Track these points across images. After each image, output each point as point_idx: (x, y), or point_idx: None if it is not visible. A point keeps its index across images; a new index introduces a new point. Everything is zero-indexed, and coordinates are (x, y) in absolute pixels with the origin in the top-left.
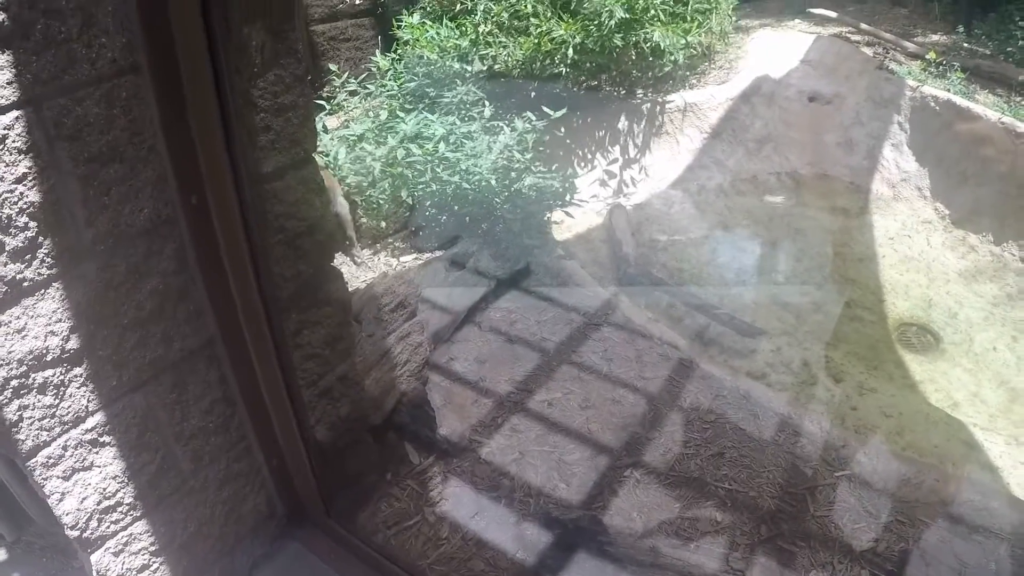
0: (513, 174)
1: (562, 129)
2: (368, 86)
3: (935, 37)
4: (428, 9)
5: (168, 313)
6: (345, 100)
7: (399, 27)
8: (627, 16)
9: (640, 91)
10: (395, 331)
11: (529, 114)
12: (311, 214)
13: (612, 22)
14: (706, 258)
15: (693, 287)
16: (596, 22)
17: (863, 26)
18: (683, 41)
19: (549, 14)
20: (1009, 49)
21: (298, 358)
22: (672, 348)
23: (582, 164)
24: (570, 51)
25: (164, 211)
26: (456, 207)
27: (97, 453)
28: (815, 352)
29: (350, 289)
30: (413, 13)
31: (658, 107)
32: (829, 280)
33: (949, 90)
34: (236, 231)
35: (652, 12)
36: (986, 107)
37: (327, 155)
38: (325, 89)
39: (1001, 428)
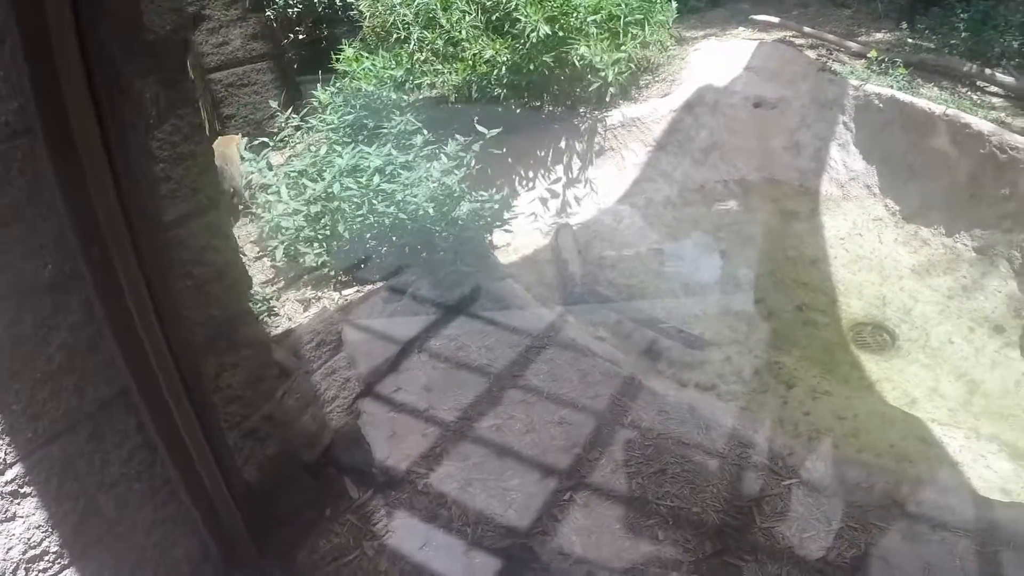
0: (449, 201)
1: (504, 150)
2: (310, 120)
3: (879, 35)
4: (366, 40)
5: (79, 365)
6: (288, 135)
7: (337, 60)
8: (553, 33)
9: (582, 108)
10: (323, 367)
11: (459, 136)
12: (218, 259)
13: (534, 37)
14: (655, 271)
15: (641, 302)
16: (523, 41)
17: (806, 29)
18: (614, 56)
19: (481, 37)
20: (953, 42)
21: (220, 401)
22: (618, 366)
23: (525, 185)
24: (502, 71)
25: (68, 266)
26: (395, 238)
27: (19, 504)
28: (766, 359)
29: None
30: (350, 45)
31: (600, 123)
32: (781, 285)
33: (892, 86)
34: (140, 281)
35: (582, 28)
36: (931, 101)
37: (271, 189)
38: (272, 125)
39: (961, 422)
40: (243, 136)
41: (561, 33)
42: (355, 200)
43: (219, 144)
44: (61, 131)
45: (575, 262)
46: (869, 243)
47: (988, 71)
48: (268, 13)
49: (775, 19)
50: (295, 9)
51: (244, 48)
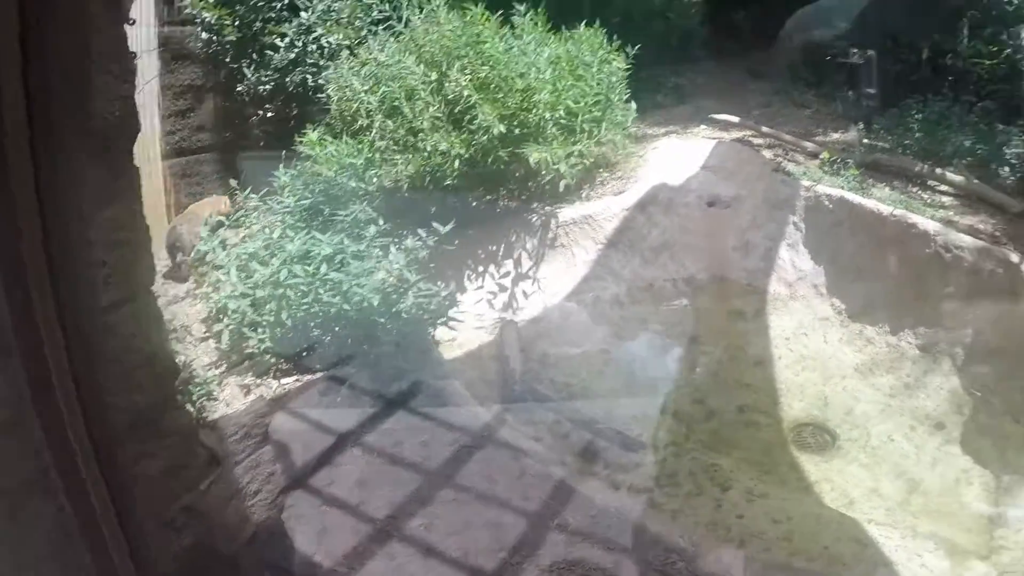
0: (395, 295)
1: (456, 242)
2: (268, 202)
3: (836, 135)
4: (332, 124)
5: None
6: (245, 216)
7: (301, 142)
8: (509, 130)
9: (535, 203)
10: (249, 458)
11: (420, 231)
12: (148, 347)
13: (487, 137)
14: (598, 370)
15: (582, 402)
16: (479, 135)
17: (764, 129)
18: (568, 150)
19: (441, 129)
20: (907, 142)
21: (139, 488)
22: (552, 467)
23: (474, 279)
24: (456, 164)
25: None
26: (338, 329)
27: None
28: (704, 462)
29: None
30: (315, 128)
31: (553, 219)
32: (724, 386)
33: (843, 187)
34: (66, 365)
35: (540, 124)
36: (880, 201)
37: (222, 269)
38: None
39: (899, 521)
40: (228, 200)
41: (518, 130)
42: (302, 288)
43: (199, 205)
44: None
45: (517, 360)
46: (814, 343)
47: (939, 170)
48: (239, 88)
49: (735, 119)
50: (266, 87)
51: (191, 139)
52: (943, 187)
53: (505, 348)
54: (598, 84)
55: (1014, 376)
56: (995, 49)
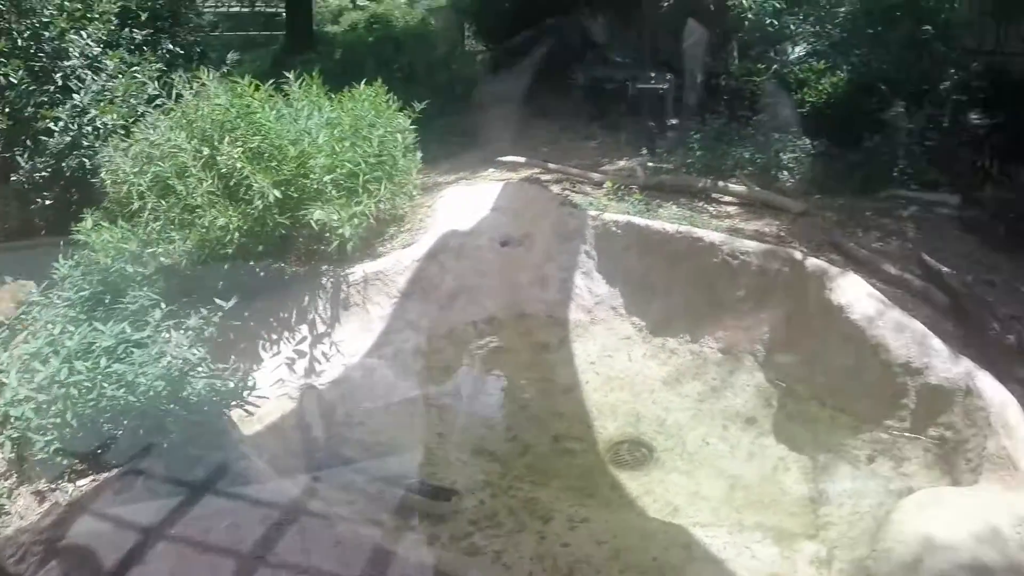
0: (184, 379)
1: (245, 315)
2: (50, 295)
3: (622, 163)
4: (109, 209)
5: None
6: (27, 312)
7: (77, 230)
8: (287, 196)
9: (324, 266)
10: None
11: (203, 309)
12: None
13: (264, 203)
14: (406, 423)
15: (391, 458)
16: (256, 205)
17: (551, 165)
18: (351, 212)
19: (218, 203)
20: (690, 161)
21: None
22: (368, 530)
23: (269, 349)
24: (236, 236)
25: None
26: (128, 422)
27: None
28: (522, 497)
29: None
30: (92, 214)
31: (343, 280)
32: (535, 419)
33: (629, 212)
34: None
35: (320, 189)
36: (666, 220)
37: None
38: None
39: (724, 518)
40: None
41: (296, 195)
42: (85, 384)
43: None
44: None
45: (320, 426)
46: (620, 362)
47: (722, 183)
48: (15, 177)
49: (521, 159)
50: (43, 174)
51: None
52: (727, 198)
53: (306, 416)
54: (381, 142)
55: (813, 362)
56: (763, 67)
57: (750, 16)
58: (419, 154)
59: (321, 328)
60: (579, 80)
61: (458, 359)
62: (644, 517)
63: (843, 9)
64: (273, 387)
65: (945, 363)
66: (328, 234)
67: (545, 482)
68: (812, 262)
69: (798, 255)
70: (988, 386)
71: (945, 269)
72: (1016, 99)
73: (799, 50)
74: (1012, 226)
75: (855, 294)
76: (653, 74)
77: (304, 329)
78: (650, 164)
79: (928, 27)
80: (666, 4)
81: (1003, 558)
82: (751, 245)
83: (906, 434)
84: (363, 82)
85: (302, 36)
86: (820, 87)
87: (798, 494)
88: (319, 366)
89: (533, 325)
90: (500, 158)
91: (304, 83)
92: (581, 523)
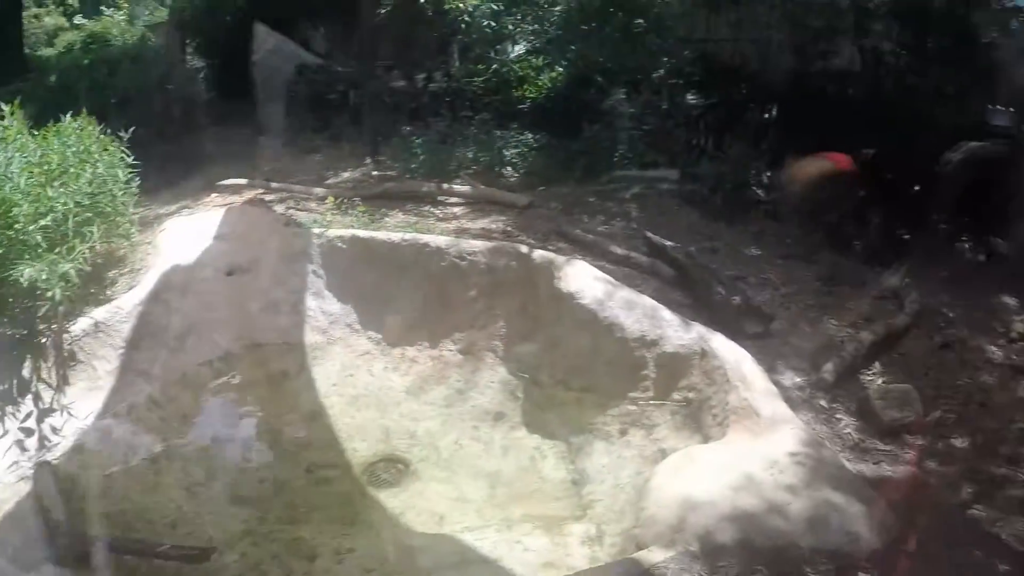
0: None
1: None
2: None
3: (347, 174)
4: None
5: None
6: None
7: None
8: None
9: (42, 326)
10: None
11: None
12: None
13: None
14: (150, 484)
15: (138, 524)
16: None
17: (274, 185)
18: (61, 269)
19: None
20: (414, 166)
21: None
22: None
23: None
24: None
25: None
26: None
27: None
28: (285, 539)
29: None
30: None
31: (63, 338)
32: (285, 452)
33: (354, 225)
34: None
35: (26, 240)
36: (392, 229)
37: None
38: None
39: (490, 518)
40: None
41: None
42: None
43: None
44: None
45: (59, 507)
46: (362, 380)
47: (447, 185)
48: None
49: (243, 180)
50: None
51: None
52: (454, 199)
53: (44, 498)
54: (92, 180)
55: (552, 350)
56: (484, 67)
57: (467, 19)
58: (136, 186)
59: (48, 395)
60: (301, 92)
61: (196, 404)
62: (411, 533)
63: (559, 8)
64: (8, 471)
65: (678, 331)
66: (40, 291)
67: (306, 518)
68: (539, 253)
69: (524, 248)
70: (721, 345)
71: (669, 243)
72: (725, 81)
73: (519, 48)
74: (728, 196)
75: (583, 279)
76: (373, 81)
77: (29, 400)
78: (375, 173)
79: (641, 20)
80: (384, 11)
81: (762, 501)
82: (478, 244)
83: (652, 403)
84: (69, 114)
85: (12, 62)
86: (540, 83)
87: (559, 479)
88: (52, 438)
89: (269, 355)
90: (222, 182)
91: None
92: (348, 554)
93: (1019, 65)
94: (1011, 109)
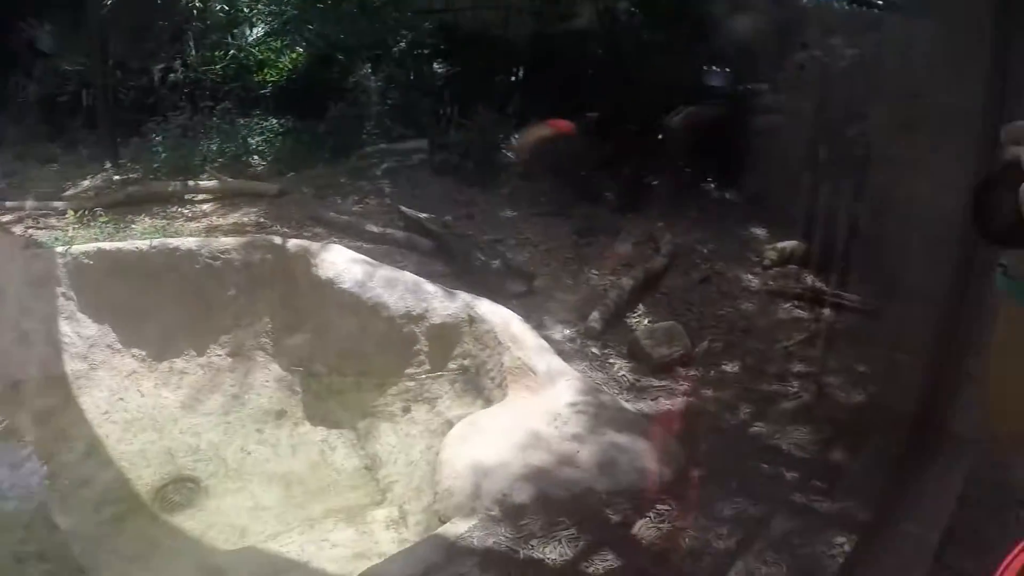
0: None
1: None
2: None
3: (87, 182)
4: None
5: None
6: None
7: None
8: None
9: None
10: None
11: None
12: None
13: None
14: None
15: None
16: None
17: (8, 203)
18: None
19: None
20: (156, 166)
21: None
22: None
23: None
24: None
25: None
26: None
27: None
28: None
29: None
30: None
31: None
32: (68, 497)
33: (98, 238)
34: None
35: None
36: (139, 236)
37: None
38: None
39: (292, 521)
40: None
41: None
42: None
43: None
44: None
45: None
46: (133, 402)
47: (193, 182)
48: None
49: None
50: None
51: None
52: (202, 196)
53: None
54: None
55: (322, 339)
56: (221, 53)
57: (199, 4)
58: None
59: None
60: (31, 95)
61: None
62: (215, 553)
63: None
64: None
65: (443, 302)
66: None
67: (104, 560)
68: (294, 243)
69: (278, 239)
70: (488, 309)
71: (424, 215)
72: (466, 49)
73: (257, 31)
74: (479, 161)
75: (341, 263)
76: (106, 78)
77: None
78: (116, 178)
79: None
80: (109, 3)
81: (551, 455)
82: (230, 241)
83: (430, 376)
84: None
85: None
86: (281, 65)
87: (352, 468)
88: None
89: (30, 391)
90: None
91: None
92: None
93: (731, 25)
94: (727, 70)
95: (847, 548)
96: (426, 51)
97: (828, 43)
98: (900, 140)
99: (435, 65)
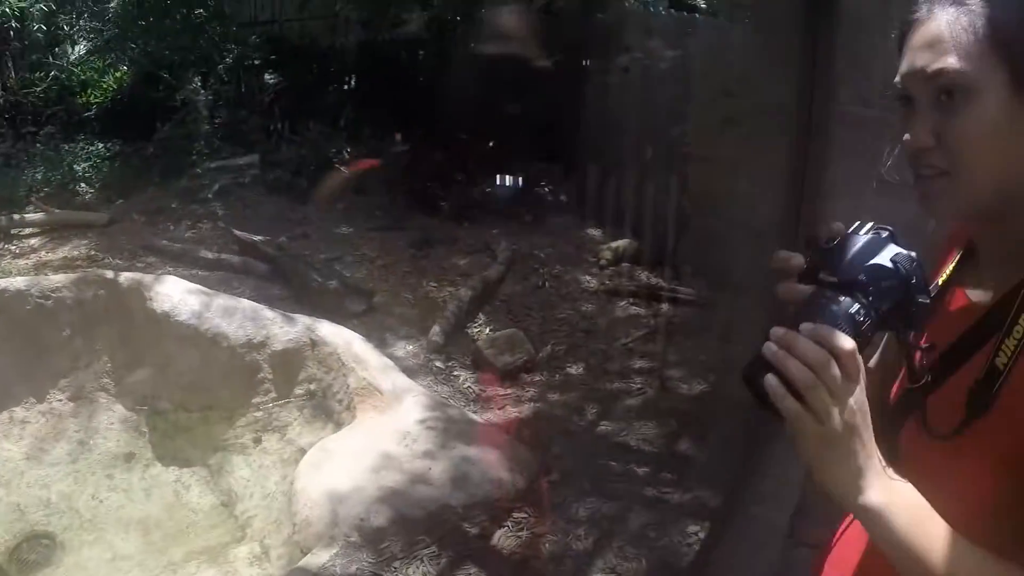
0: None
1: None
2: None
3: None
4: None
5: None
6: None
7: None
8: None
9: None
10: None
11: None
12: None
13: None
14: None
15: None
16: None
17: None
18: None
19: None
20: None
21: None
22: None
23: None
24: None
25: None
26: None
27: None
28: None
29: None
30: None
31: None
32: None
33: None
34: None
35: None
36: None
37: None
38: None
39: (154, 567)
40: None
41: None
42: None
43: None
44: None
45: None
46: None
47: (18, 215)
48: None
49: None
50: None
51: None
52: (29, 230)
53: None
54: None
55: (164, 375)
56: (42, 75)
57: (14, 24)
58: None
59: None
60: None
61: None
62: None
63: (113, 4)
64: None
65: (283, 327)
66: None
67: None
68: (126, 276)
69: (110, 273)
70: (329, 331)
71: (258, 237)
72: (295, 62)
73: (79, 50)
74: (312, 178)
75: (176, 295)
76: None
77: None
78: None
79: (201, 10)
80: None
81: (404, 474)
82: (59, 279)
83: (277, 404)
84: None
85: None
86: (105, 86)
87: (209, 506)
88: None
89: None
90: None
91: None
92: None
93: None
94: (556, 73)
95: (701, 536)
96: (255, 64)
97: (650, 46)
98: (720, 138)
99: (263, 79)
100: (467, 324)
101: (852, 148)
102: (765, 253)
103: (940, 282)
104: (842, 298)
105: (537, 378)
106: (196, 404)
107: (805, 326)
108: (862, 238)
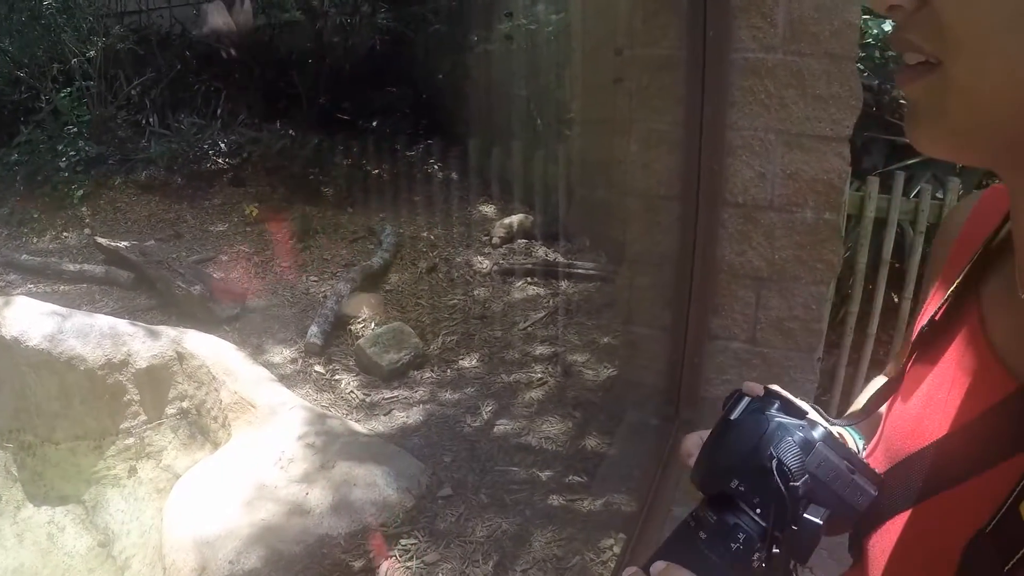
0: None
1: None
2: None
3: None
4: None
5: None
6: None
7: None
8: None
9: None
10: None
11: None
12: None
13: None
14: None
15: None
16: None
17: None
18: None
19: None
20: None
21: None
22: None
23: None
24: None
25: None
26: None
27: None
28: None
29: None
30: None
31: None
32: None
33: None
34: None
35: None
36: None
37: None
38: None
39: None
40: None
41: None
42: None
43: None
44: None
45: None
46: None
47: None
48: None
49: None
50: None
51: None
52: None
53: None
54: None
55: (22, 407)
56: None
57: None
58: None
59: None
60: None
61: None
62: None
63: None
64: None
65: (145, 342)
66: None
67: None
68: None
69: None
70: (197, 342)
71: (122, 244)
72: (164, 52)
73: None
74: (186, 173)
75: (27, 318)
76: None
77: None
78: None
79: (51, 2)
80: None
81: (279, 504)
82: None
83: (149, 427)
84: None
85: None
86: None
87: (85, 547)
88: None
89: None
90: None
91: None
92: None
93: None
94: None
95: (616, 551)
96: (119, 58)
97: (535, 11)
98: (609, 100)
99: (131, 72)
100: (349, 321)
101: (755, 98)
102: (661, 220)
103: (939, 310)
104: (715, 517)
105: (427, 375)
106: (62, 435)
107: (656, 567)
108: (737, 424)
